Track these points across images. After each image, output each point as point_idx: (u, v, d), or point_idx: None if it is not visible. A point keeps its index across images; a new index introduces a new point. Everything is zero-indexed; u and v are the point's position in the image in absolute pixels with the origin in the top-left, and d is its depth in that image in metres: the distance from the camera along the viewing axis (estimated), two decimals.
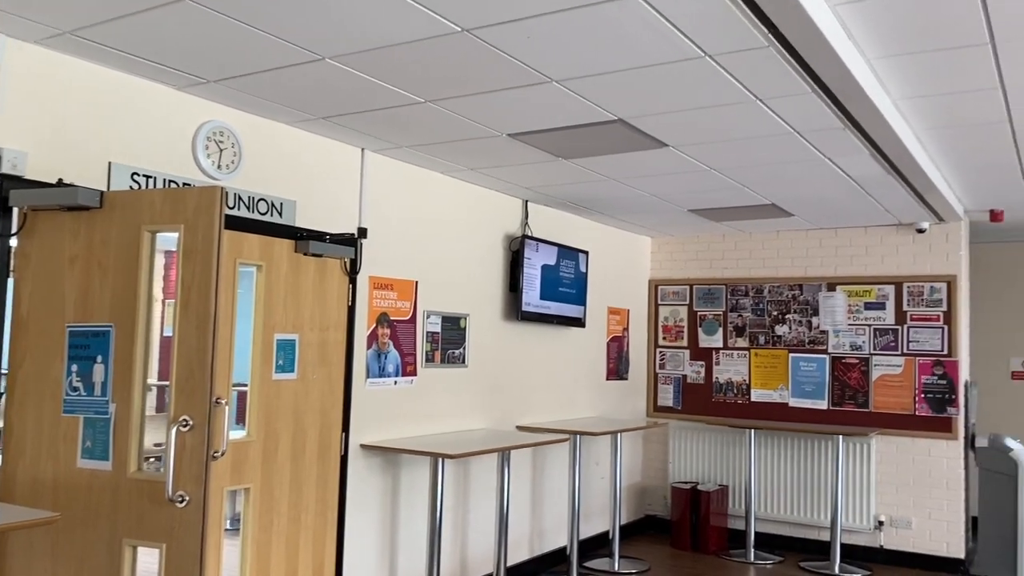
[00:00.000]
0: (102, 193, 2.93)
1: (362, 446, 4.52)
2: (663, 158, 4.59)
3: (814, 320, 6.94)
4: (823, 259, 6.95)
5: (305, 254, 4.15)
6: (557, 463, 6.27)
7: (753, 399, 7.15)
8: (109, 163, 3.30)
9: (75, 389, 2.82)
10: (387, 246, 4.73)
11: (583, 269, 6.39)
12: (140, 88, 3.46)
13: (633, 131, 4.06)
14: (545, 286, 5.92)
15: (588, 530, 6.66)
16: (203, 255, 2.75)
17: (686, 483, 7.06)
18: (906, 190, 5.27)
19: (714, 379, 7.35)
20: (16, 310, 2.98)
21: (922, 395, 6.47)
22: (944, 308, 6.44)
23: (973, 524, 6.41)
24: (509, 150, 4.50)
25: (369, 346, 4.59)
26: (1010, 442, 6.30)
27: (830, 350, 6.85)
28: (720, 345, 7.34)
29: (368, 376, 4.58)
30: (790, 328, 7.04)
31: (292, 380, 4.11)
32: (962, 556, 6.27)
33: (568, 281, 6.20)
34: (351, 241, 4.42)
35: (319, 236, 4.19)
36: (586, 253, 6.42)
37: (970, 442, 6.39)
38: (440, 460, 4.44)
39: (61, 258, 2.96)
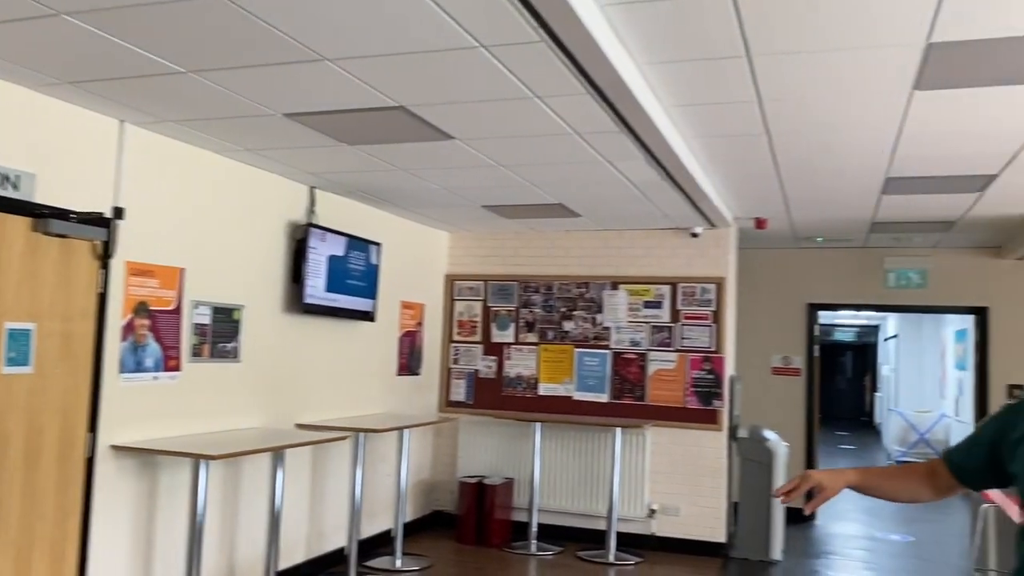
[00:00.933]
0: None
1: (113, 447, 4.12)
2: (450, 151, 4.53)
3: (598, 317, 7.18)
4: (608, 259, 7.21)
5: (45, 234, 3.71)
6: (341, 462, 6.07)
7: (541, 393, 7.30)
8: None
9: None
10: (149, 229, 4.34)
11: (375, 261, 6.22)
12: None
13: (416, 120, 3.96)
14: (332, 278, 5.70)
15: (372, 528, 6.51)
16: None
17: (473, 477, 7.09)
18: (681, 196, 5.54)
19: (505, 374, 7.43)
20: None
21: (692, 389, 6.86)
22: (713, 308, 6.86)
23: (735, 509, 6.88)
24: (287, 131, 4.26)
25: (124, 338, 4.19)
26: (767, 433, 6.83)
27: (612, 346, 7.11)
28: (511, 340, 7.43)
29: (122, 371, 4.18)
30: (576, 324, 7.24)
31: (26, 374, 3.66)
32: (723, 540, 6.71)
33: (358, 273, 6.02)
34: (103, 221, 4.01)
35: (62, 214, 3.76)
36: (378, 245, 6.26)
37: (733, 433, 6.85)
38: (202, 462, 4.14)
39: None
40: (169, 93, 3.67)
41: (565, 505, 7.08)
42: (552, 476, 7.12)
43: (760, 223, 6.85)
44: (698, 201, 5.70)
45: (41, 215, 3.68)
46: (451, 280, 7.67)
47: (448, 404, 7.58)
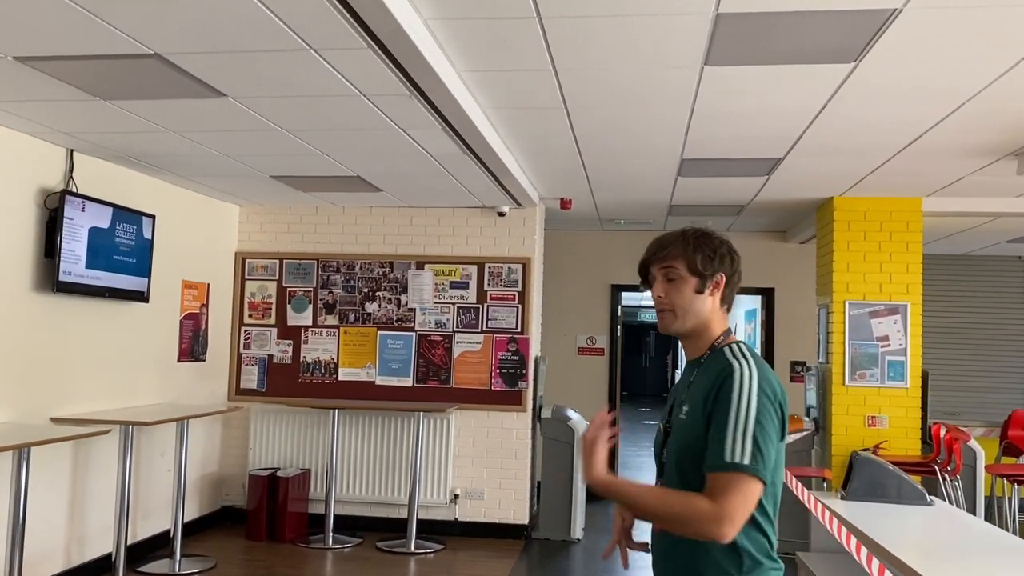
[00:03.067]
0: None
1: None
2: (223, 110, 4.06)
3: (403, 298, 6.89)
4: (413, 237, 6.93)
5: None
6: (109, 458, 5.43)
7: (341, 378, 6.93)
8: None
9: None
10: None
11: (148, 236, 5.59)
12: None
13: (177, 71, 3.49)
14: (94, 253, 5.05)
15: (149, 529, 5.91)
16: None
17: (266, 470, 6.62)
18: (484, 172, 5.35)
19: (302, 359, 6.99)
20: None
21: (497, 371, 6.74)
22: (519, 288, 6.77)
23: (538, 490, 6.85)
24: (24, 79, 3.64)
25: None
26: (570, 412, 6.83)
27: (417, 328, 6.86)
28: (310, 323, 6.99)
29: None
30: (380, 306, 6.92)
31: None
32: (526, 522, 6.65)
33: (127, 249, 5.38)
34: None
35: None
36: (152, 217, 5.63)
37: (537, 414, 6.80)
38: None
39: None
40: None
41: (365, 495, 6.77)
42: (352, 465, 6.78)
43: (565, 204, 6.81)
44: (501, 178, 5.54)
45: None
46: (242, 258, 7.10)
47: (238, 392, 7.03)
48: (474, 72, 3.65)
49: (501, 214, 6.78)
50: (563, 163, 5.42)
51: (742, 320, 12.79)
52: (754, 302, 10.48)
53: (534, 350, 6.82)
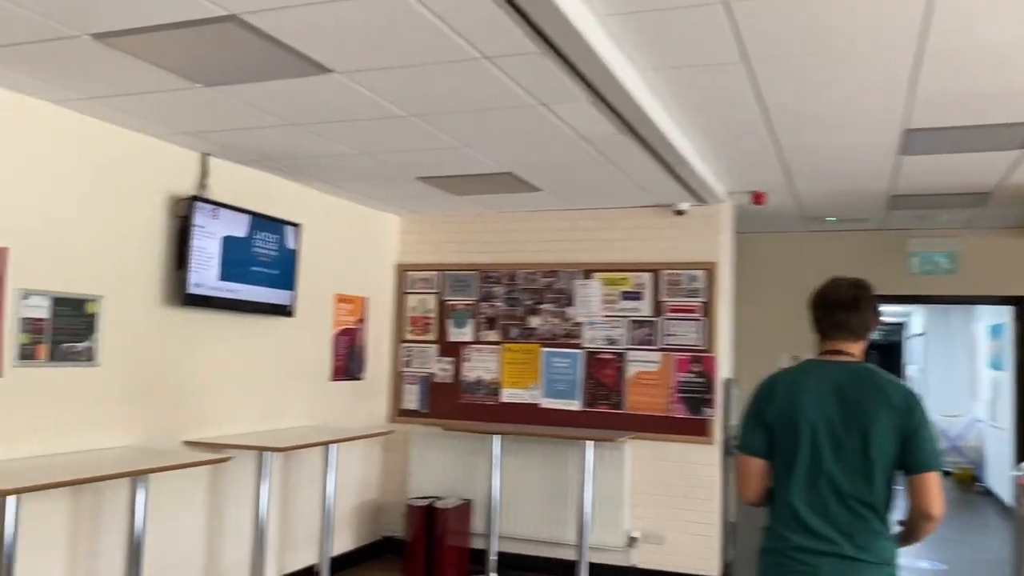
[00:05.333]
0: None
1: None
2: (332, 89, 3.52)
3: (569, 311, 6.14)
4: (579, 243, 6.18)
5: None
6: (252, 484, 5.08)
7: (504, 400, 6.27)
8: None
9: None
10: None
11: (291, 246, 5.23)
12: None
13: (263, 38, 2.96)
14: (229, 264, 4.72)
15: (300, 561, 5.52)
16: None
17: (425, 499, 6.08)
18: (652, 160, 4.51)
19: (463, 377, 6.41)
20: None
21: (678, 394, 5.81)
22: (703, 299, 5.81)
23: (732, 534, 5.81)
24: (111, 64, 3.27)
25: None
26: None
27: (585, 344, 6.08)
28: (470, 339, 6.41)
29: None
30: (544, 320, 6.21)
31: None
32: (716, 573, 5.64)
33: (267, 259, 5.03)
34: None
35: None
36: (296, 226, 5.26)
37: (727, 447, 5.79)
38: (10, 499, 3.15)
39: None
40: None
41: (529, 531, 6.04)
42: (515, 497, 6.09)
43: (758, 197, 5.78)
44: (675, 166, 4.66)
45: None
46: (402, 270, 6.66)
47: (399, 413, 6.57)
48: (622, 16, 2.85)
49: (679, 212, 5.86)
50: (749, 143, 4.45)
51: (984, 336, 10.87)
52: (1000, 314, 8.77)
53: (723, 371, 5.82)
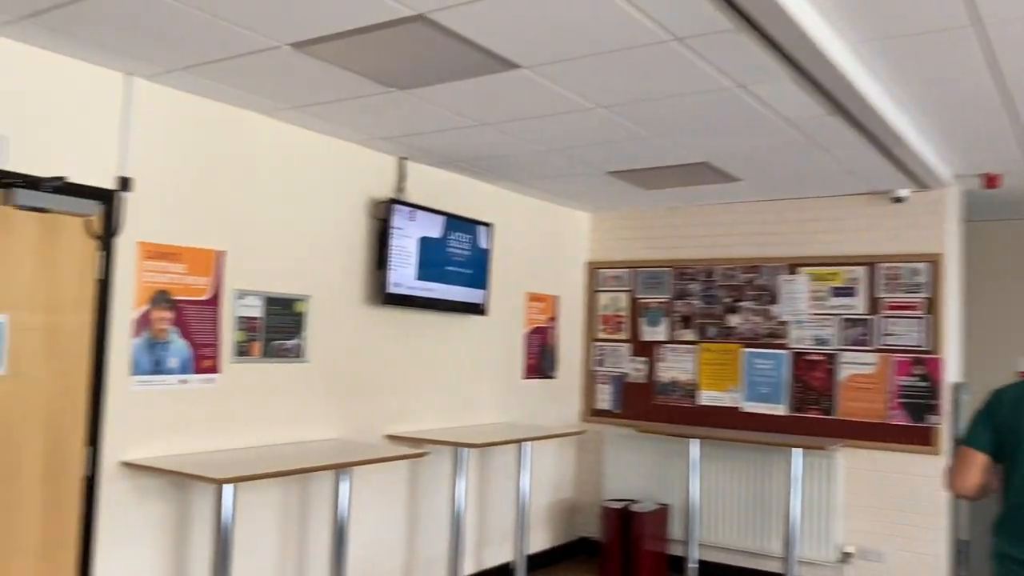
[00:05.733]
0: None
1: (125, 464, 3.46)
2: (519, 85, 3.46)
3: (772, 309, 5.77)
4: (783, 236, 5.78)
5: (19, 208, 3.09)
6: (449, 480, 5.17)
7: (701, 402, 6.01)
8: None
9: None
10: (171, 204, 3.66)
11: (484, 245, 5.27)
12: None
13: (450, 36, 2.95)
14: (425, 264, 4.82)
15: (495, 558, 5.56)
16: None
17: (619, 501, 5.94)
18: (865, 142, 4.11)
19: (657, 378, 6.21)
20: None
21: (898, 400, 5.28)
22: (927, 294, 5.25)
23: (965, 553, 5.22)
24: (307, 73, 3.40)
25: (137, 334, 3.52)
26: None
27: (790, 344, 5.68)
28: (664, 338, 6.19)
29: (135, 373, 3.51)
30: (744, 318, 5.88)
31: None
32: None
33: (461, 259, 5.10)
34: (98, 194, 3.35)
35: (33, 183, 3.11)
36: (488, 226, 5.30)
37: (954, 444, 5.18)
38: (226, 487, 3.36)
39: None
40: (130, 23, 2.92)
41: (730, 540, 5.74)
42: (715, 504, 5.81)
43: (991, 180, 5.14)
44: (893, 148, 4.23)
45: (9, 185, 3.05)
46: (593, 268, 6.56)
47: (592, 413, 6.47)
48: None
49: (898, 200, 5.34)
50: (980, 118, 3.94)
51: None
52: None
53: (950, 375, 5.23)
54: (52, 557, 3.21)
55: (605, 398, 6.42)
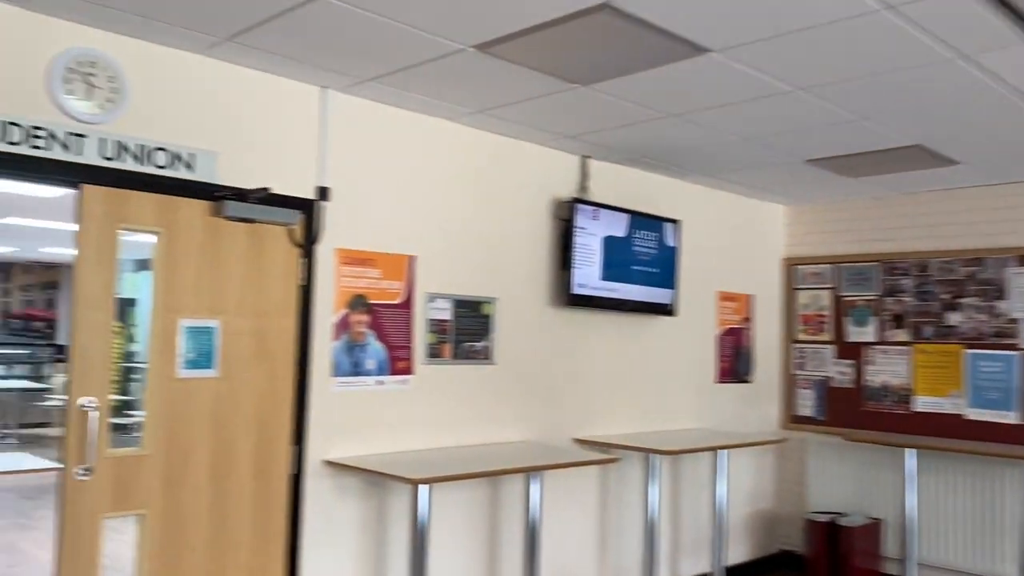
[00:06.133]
0: None
1: (327, 463, 3.59)
2: (710, 71, 3.27)
3: (1000, 305, 5.17)
4: (1012, 224, 5.17)
5: (229, 219, 3.29)
6: (641, 486, 5.02)
7: (916, 408, 5.48)
8: None
9: None
10: (365, 211, 3.77)
11: (671, 243, 5.08)
12: None
13: (636, 24, 2.82)
14: (609, 264, 4.70)
15: (693, 567, 5.34)
16: None
17: (824, 514, 5.54)
18: None
19: (865, 382, 5.74)
20: None
21: None
22: None
23: None
24: (492, 74, 3.38)
25: (337, 337, 3.65)
26: None
27: (1023, 345, 5.07)
28: (873, 339, 5.71)
29: (335, 374, 3.64)
30: (966, 316, 5.30)
31: (210, 378, 3.26)
32: None
33: (647, 258, 4.94)
34: (300, 204, 3.50)
35: (242, 195, 3.30)
36: (675, 223, 5.11)
37: None
38: (422, 487, 3.41)
39: None
40: (318, 34, 3.01)
41: (954, 560, 5.19)
42: (936, 520, 5.27)
43: None
44: None
45: (220, 198, 3.25)
46: (790, 264, 6.17)
47: (793, 420, 6.08)
48: None
49: None
50: None
51: None
52: None
53: None
54: (263, 551, 3.38)
55: (807, 404, 6.02)
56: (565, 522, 4.59)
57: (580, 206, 4.53)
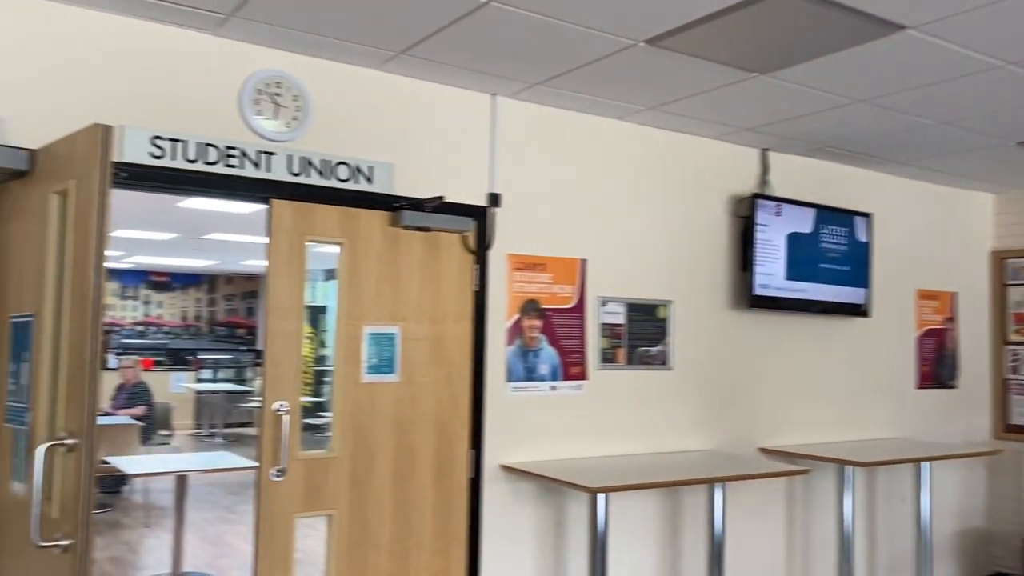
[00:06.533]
0: (32, 153, 2.42)
1: (504, 468, 3.60)
2: (904, 50, 2.99)
3: None
4: None
5: (404, 228, 3.36)
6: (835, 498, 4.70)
7: None
8: (122, 127, 2.83)
9: (12, 393, 2.35)
10: (535, 216, 3.75)
11: (862, 238, 4.73)
12: (158, 35, 2.94)
13: (820, 3, 2.62)
14: (794, 262, 4.44)
15: None
16: (82, 215, 2.09)
17: None
18: None
19: None
20: None
21: None
22: None
23: None
24: (664, 69, 3.26)
25: (511, 342, 3.65)
26: None
27: None
28: None
29: (510, 379, 3.64)
30: None
31: (392, 383, 3.34)
32: None
33: (835, 255, 4.62)
34: (472, 211, 3.53)
35: (418, 205, 3.36)
36: (867, 216, 4.75)
37: None
38: (600, 496, 3.34)
39: (6, 236, 2.50)
40: (485, 39, 3.01)
41: None
42: None
43: None
44: None
45: (397, 208, 3.33)
46: (1000, 258, 5.59)
47: (1007, 429, 5.50)
48: None
49: None
50: None
51: None
52: None
53: None
54: (445, 552, 3.43)
55: (1023, 412, 5.42)
56: (749, 535, 4.36)
57: (761, 201, 4.30)
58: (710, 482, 3.65)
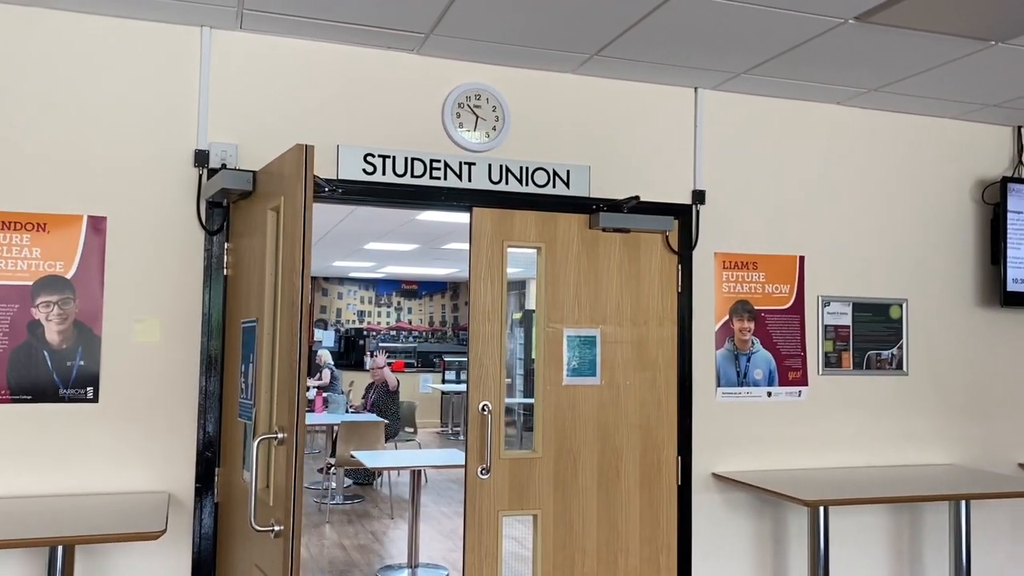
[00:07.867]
0: (254, 174, 2.68)
1: (716, 476, 3.46)
2: None
3: None
4: None
5: (604, 230, 3.34)
6: None
7: None
8: (337, 146, 3.07)
9: (243, 391, 2.61)
10: (744, 212, 3.57)
11: None
12: (364, 59, 3.15)
13: None
14: None
15: None
16: (290, 228, 2.27)
17: None
18: None
19: None
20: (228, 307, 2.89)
21: None
22: None
23: None
24: (880, 45, 2.97)
25: (720, 345, 3.50)
26: None
27: None
28: None
29: (720, 384, 3.49)
30: None
31: (593, 386, 3.33)
32: None
33: None
34: (676, 209, 3.43)
35: (618, 206, 3.32)
36: None
37: None
38: (821, 510, 3.12)
39: (240, 250, 2.77)
40: (685, 31, 2.90)
41: None
42: None
43: None
44: None
45: (595, 210, 3.32)
46: None
47: None
48: None
49: None
50: None
51: None
52: None
53: None
54: (654, 559, 3.36)
55: None
56: (1002, 560, 3.85)
57: (1014, 186, 3.80)
58: (948, 499, 3.26)
